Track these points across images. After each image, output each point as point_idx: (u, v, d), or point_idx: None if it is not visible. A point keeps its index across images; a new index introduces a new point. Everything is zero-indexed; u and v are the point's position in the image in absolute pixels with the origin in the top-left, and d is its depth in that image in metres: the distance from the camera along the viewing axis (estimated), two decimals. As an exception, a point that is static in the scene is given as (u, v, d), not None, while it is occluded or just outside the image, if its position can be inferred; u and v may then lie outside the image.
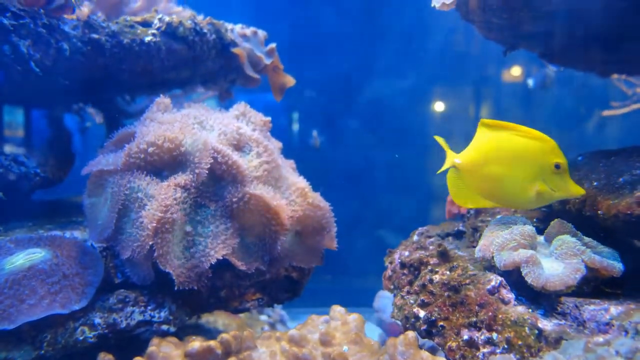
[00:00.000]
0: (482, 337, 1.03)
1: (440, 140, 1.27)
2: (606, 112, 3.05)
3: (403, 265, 1.33)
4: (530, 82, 3.19)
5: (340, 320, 1.17)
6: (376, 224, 3.77)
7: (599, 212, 1.09)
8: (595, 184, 1.14)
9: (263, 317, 2.60)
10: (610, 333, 0.95)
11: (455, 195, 1.26)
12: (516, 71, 3.73)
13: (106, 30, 1.56)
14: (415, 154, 3.94)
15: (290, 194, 1.50)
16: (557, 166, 1.09)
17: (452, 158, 1.25)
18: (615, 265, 1.04)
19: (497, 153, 1.15)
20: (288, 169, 1.61)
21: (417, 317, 1.15)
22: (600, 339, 0.92)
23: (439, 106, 3.97)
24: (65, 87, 1.61)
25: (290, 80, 2.16)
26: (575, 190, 1.09)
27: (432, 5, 1.41)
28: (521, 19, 1.29)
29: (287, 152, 1.78)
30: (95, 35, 1.53)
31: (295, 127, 4.02)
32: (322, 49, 3.88)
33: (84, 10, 1.49)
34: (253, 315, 2.55)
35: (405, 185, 3.89)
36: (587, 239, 1.12)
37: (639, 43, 1.41)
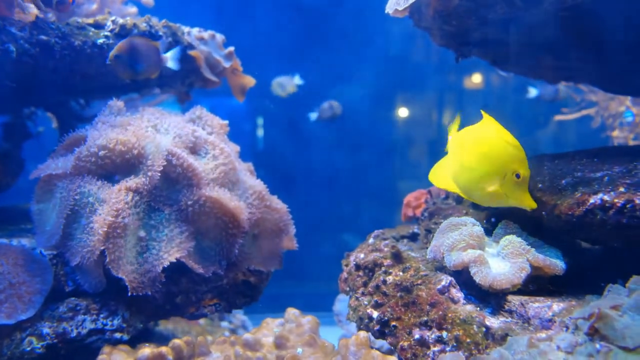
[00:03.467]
0: (433, 335, 1.05)
1: (456, 119, 1.29)
2: (557, 117, 3.17)
3: (358, 267, 1.34)
4: (534, 91, 3.15)
5: (294, 322, 1.17)
6: (339, 228, 3.79)
7: (543, 212, 1.13)
8: (539, 186, 1.18)
9: (224, 324, 2.57)
10: (552, 329, 0.99)
11: (432, 172, 1.30)
12: (477, 78, 3.84)
13: (56, 32, 1.52)
14: (377, 159, 4.00)
15: (247, 197, 1.50)
16: (518, 176, 1.11)
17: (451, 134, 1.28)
18: (557, 264, 1.08)
19: (474, 144, 1.19)
20: (245, 172, 1.61)
21: (370, 318, 1.16)
22: (542, 334, 0.95)
23: (400, 112, 4.03)
24: (13, 90, 1.56)
25: (250, 81, 2.15)
26: (527, 203, 1.12)
27: (386, 12, 1.43)
28: (469, 26, 1.33)
29: (251, 157, 1.78)
30: (44, 37, 1.48)
31: (259, 131, 4.02)
32: (284, 55, 3.89)
33: (32, 11, 1.45)
34: (214, 322, 2.52)
35: (368, 189, 3.93)
36: (532, 239, 1.16)
37: (585, 50, 1.48)
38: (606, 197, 1.00)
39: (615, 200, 0.99)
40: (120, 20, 1.68)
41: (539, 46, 1.51)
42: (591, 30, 1.29)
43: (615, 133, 3.02)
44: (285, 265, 1.64)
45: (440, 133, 3.96)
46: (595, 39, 1.32)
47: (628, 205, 0.97)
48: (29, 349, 1.19)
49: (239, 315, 2.64)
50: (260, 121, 4.02)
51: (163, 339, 1.93)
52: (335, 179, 3.95)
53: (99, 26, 1.66)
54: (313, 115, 3.39)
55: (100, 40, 1.62)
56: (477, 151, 1.17)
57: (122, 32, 1.67)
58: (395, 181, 3.95)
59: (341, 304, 2.38)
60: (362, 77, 3.96)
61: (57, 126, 2.30)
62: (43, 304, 1.25)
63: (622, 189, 1.00)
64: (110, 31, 1.66)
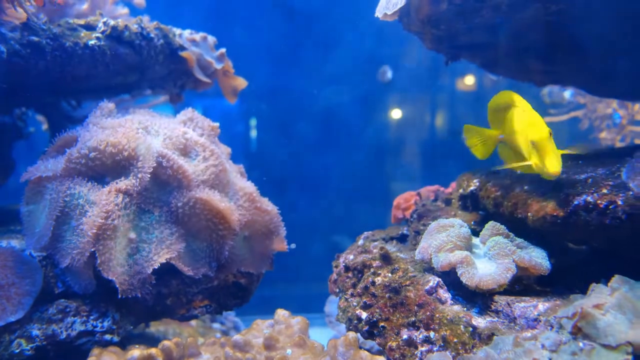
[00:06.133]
0: (421, 336, 1.07)
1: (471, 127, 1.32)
2: (545, 119, 3.19)
3: (347, 268, 1.35)
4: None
5: (284, 323, 1.18)
6: (331, 229, 3.80)
7: (529, 214, 1.15)
8: (526, 187, 1.20)
9: (216, 325, 2.58)
10: (537, 328, 1.01)
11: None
12: (469, 80, 3.86)
13: (47, 33, 1.52)
14: (368, 160, 4.01)
15: (238, 199, 1.51)
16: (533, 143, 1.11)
17: (497, 134, 1.31)
18: (542, 264, 1.09)
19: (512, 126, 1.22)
20: (236, 174, 1.62)
21: (359, 319, 1.18)
22: (528, 333, 0.97)
23: (391, 114, 4.06)
24: (4, 90, 1.55)
25: (241, 83, 2.16)
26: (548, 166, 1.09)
27: (375, 15, 1.45)
28: (458, 30, 1.35)
29: (243, 158, 1.79)
30: (35, 38, 1.48)
31: (252, 133, 4.02)
32: (275, 57, 3.90)
33: (23, 12, 1.45)
34: (206, 324, 2.52)
35: (359, 191, 3.94)
36: (518, 240, 1.18)
37: (570, 54, 1.50)
38: (589, 199, 1.02)
39: (599, 202, 1.01)
40: (112, 22, 1.68)
41: (525, 50, 1.53)
42: (575, 36, 1.31)
43: (603, 134, 3.06)
44: (277, 266, 1.65)
45: (431, 134, 3.99)
46: (579, 44, 1.34)
47: (611, 207, 0.99)
48: (17, 350, 1.19)
49: (230, 317, 2.64)
50: (252, 123, 4.02)
51: (155, 341, 1.93)
52: (327, 181, 3.97)
53: (90, 27, 1.66)
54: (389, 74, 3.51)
55: (92, 42, 1.62)
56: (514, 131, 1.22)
57: (114, 34, 1.68)
58: (386, 183, 3.96)
59: (332, 305, 2.39)
60: (353, 79, 3.98)
61: (48, 127, 2.29)
62: (32, 306, 1.25)
63: (605, 191, 1.02)
64: (102, 33, 1.66)
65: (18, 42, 1.48)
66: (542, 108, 3.68)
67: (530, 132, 1.13)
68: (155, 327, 2.10)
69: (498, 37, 1.40)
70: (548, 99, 3.30)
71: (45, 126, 2.45)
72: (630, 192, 0.97)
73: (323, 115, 4.05)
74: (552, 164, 1.08)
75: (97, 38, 1.64)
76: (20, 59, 1.50)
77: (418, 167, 3.88)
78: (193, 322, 2.37)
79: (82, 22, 1.66)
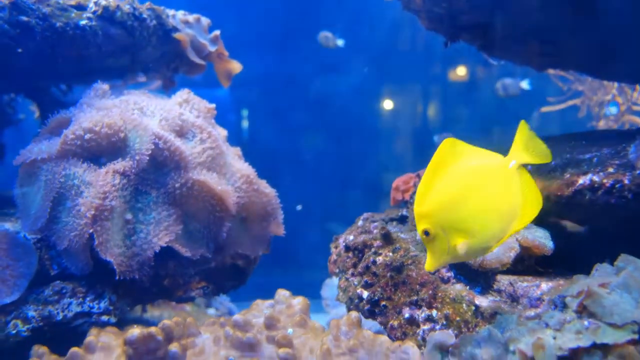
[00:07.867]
0: (423, 314, 1.06)
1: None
2: (544, 109, 3.18)
3: (348, 248, 1.34)
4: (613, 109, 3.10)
5: (285, 303, 1.17)
6: (325, 216, 3.80)
7: (532, 193, 1.14)
8: (529, 167, 1.19)
9: (211, 311, 2.56)
10: (540, 307, 1.00)
11: None
12: (461, 70, 3.85)
13: (36, 13, 1.48)
14: (364, 148, 4.00)
15: (235, 181, 1.49)
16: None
17: None
18: (546, 244, 1.09)
19: None
20: (233, 156, 1.60)
21: (360, 298, 1.17)
22: (531, 312, 0.97)
23: (387, 101, 4.04)
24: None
25: (236, 66, 2.13)
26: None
27: (376, -7, 1.42)
28: (460, 8, 1.33)
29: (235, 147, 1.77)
30: (24, 18, 1.44)
31: (244, 122, 3.99)
32: (270, 43, 3.86)
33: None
34: (201, 309, 2.51)
35: (354, 178, 3.94)
36: (521, 220, 1.17)
37: (572, 37, 1.48)
38: (595, 178, 1.02)
39: (604, 181, 1.00)
40: (103, 2, 1.64)
41: (527, 30, 1.51)
42: (581, 12, 1.29)
43: (602, 123, 3.05)
44: (272, 253, 1.64)
45: (424, 122, 3.99)
46: (585, 21, 1.32)
47: (617, 186, 0.99)
48: (14, 332, 1.18)
49: (225, 303, 2.63)
50: (245, 112, 3.99)
51: (150, 324, 1.91)
52: (322, 169, 3.96)
53: (81, 7, 1.62)
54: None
55: (83, 22, 1.58)
56: None
57: (105, 14, 1.64)
58: (382, 170, 3.96)
59: (329, 289, 2.39)
60: (349, 66, 3.95)
61: (39, 114, 2.25)
62: (28, 288, 1.23)
63: (611, 170, 1.01)
64: (93, 13, 1.62)
65: (7, 21, 1.44)
66: (498, 101, 3.64)
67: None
68: (150, 312, 2.09)
69: (500, 16, 1.38)
70: (502, 92, 3.20)
71: (37, 114, 2.41)
72: (637, 171, 0.96)
73: (317, 102, 4.03)
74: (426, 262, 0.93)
75: (89, 18, 1.60)
76: (10, 40, 1.46)
77: (411, 154, 3.88)
78: (188, 307, 2.36)
79: (72, 2, 1.62)
